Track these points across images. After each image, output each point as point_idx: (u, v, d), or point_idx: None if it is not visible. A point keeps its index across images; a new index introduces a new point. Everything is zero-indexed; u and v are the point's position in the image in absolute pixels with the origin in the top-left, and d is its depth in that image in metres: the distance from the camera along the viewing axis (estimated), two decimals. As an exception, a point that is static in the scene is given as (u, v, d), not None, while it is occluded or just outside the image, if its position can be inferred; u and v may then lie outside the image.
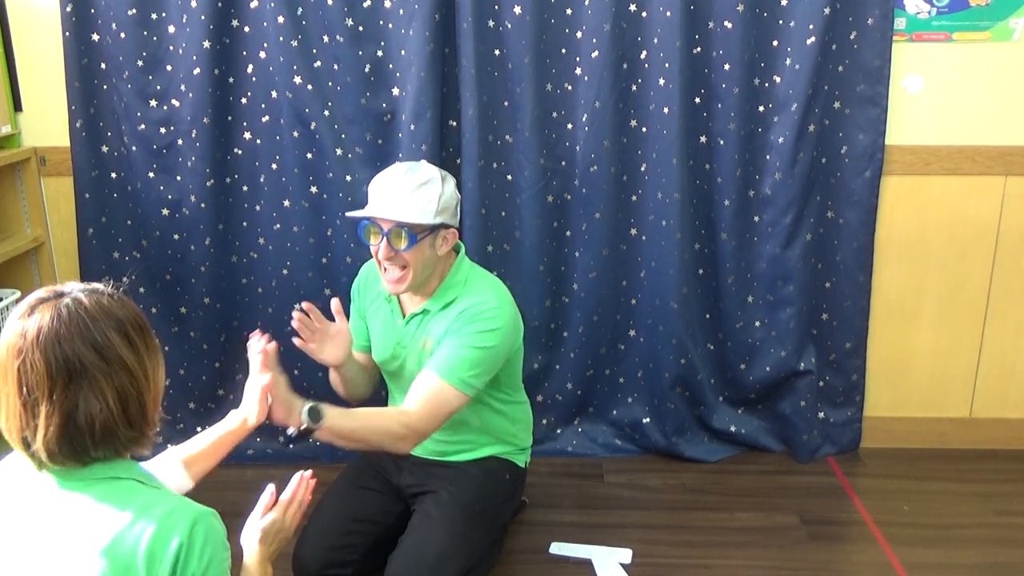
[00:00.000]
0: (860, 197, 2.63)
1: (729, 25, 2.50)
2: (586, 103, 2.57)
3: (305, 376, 2.67)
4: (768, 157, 2.60)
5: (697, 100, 2.58)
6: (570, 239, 2.71)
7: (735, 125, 2.57)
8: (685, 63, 2.50)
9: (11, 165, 2.63)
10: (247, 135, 2.62)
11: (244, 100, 2.59)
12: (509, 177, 2.64)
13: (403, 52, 2.49)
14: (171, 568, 1.15)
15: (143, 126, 2.60)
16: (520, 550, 2.36)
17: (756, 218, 2.68)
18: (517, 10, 2.48)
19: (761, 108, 2.58)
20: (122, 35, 2.53)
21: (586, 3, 2.50)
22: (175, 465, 1.63)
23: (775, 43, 2.52)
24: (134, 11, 2.50)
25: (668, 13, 2.46)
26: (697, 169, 2.63)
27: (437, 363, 2.00)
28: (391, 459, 2.24)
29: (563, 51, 2.55)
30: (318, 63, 2.52)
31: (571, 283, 2.75)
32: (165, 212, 2.67)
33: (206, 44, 2.49)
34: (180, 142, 2.60)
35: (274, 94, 2.55)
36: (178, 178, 2.64)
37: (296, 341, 2.03)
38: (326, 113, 2.53)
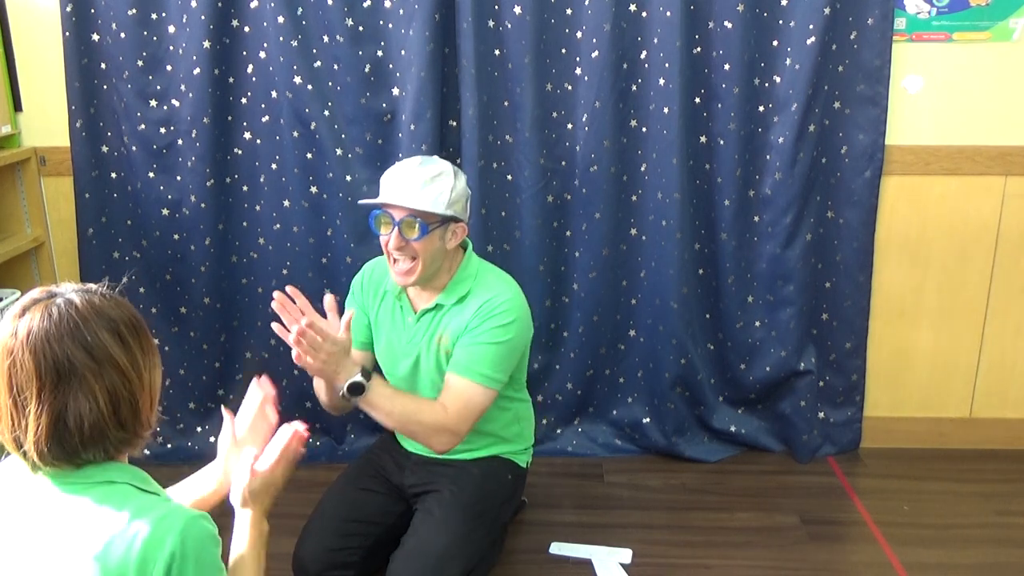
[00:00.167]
0: (860, 197, 2.63)
1: (729, 25, 2.49)
2: (586, 103, 2.57)
3: (305, 376, 2.66)
4: (768, 157, 2.60)
5: (697, 100, 2.57)
6: (570, 239, 2.71)
7: (735, 125, 2.57)
8: (685, 63, 2.50)
9: (11, 165, 2.63)
10: (247, 135, 2.62)
11: (244, 100, 2.59)
12: (509, 177, 2.64)
13: (403, 52, 2.49)
14: (164, 574, 1.15)
15: (143, 126, 2.60)
16: (520, 550, 2.36)
17: (756, 218, 2.68)
18: (517, 10, 2.48)
19: (761, 108, 2.58)
20: (122, 35, 2.53)
21: (586, 3, 2.50)
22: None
23: (775, 43, 2.52)
24: (134, 11, 2.51)
25: (668, 13, 2.46)
26: (697, 169, 2.63)
27: (459, 365, 2.02)
28: (392, 458, 2.25)
29: (563, 51, 2.55)
30: (318, 63, 2.52)
31: (571, 283, 2.75)
32: (165, 212, 2.67)
33: (206, 44, 2.49)
34: (180, 142, 2.60)
35: (274, 94, 2.55)
36: (178, 178, 2.64)
37: (292, 353, 1.90)
38: (326, 113, 2.53)
